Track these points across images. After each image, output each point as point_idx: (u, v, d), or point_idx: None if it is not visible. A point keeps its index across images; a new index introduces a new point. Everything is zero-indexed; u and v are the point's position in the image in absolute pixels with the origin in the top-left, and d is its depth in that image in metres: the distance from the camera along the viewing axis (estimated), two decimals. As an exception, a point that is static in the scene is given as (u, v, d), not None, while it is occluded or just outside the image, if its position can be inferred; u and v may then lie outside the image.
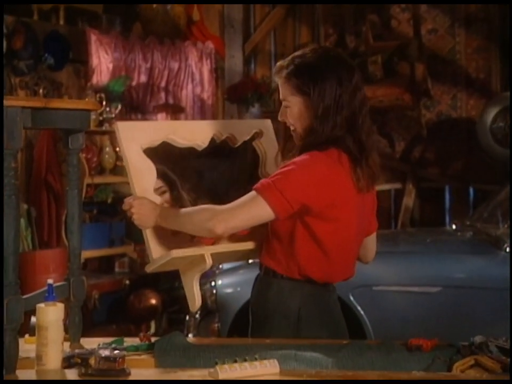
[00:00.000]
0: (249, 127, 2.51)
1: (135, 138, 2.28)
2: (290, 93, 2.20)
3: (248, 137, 2.49)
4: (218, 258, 2.35)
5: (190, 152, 2.41)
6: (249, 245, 2.34)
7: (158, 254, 2.24)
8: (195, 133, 2.41)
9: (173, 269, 2.32)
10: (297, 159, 2.16)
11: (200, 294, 2.26)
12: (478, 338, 2.01)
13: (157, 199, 2.28)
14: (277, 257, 2.21)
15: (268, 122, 2.53)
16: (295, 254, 2.18)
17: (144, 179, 2.26)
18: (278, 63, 2.26)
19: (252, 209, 2.10)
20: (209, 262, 2.22)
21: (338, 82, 2.16)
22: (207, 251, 2.23)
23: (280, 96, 2.25)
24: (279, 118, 2.27)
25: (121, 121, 2.42)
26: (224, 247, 2.31)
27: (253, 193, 2.12)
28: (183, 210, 2.20)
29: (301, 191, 2.10)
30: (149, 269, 2.26)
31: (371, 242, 2.41)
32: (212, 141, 2.44)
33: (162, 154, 2.35)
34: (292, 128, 2.25)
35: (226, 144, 2.47)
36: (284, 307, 2.20)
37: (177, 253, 2.18)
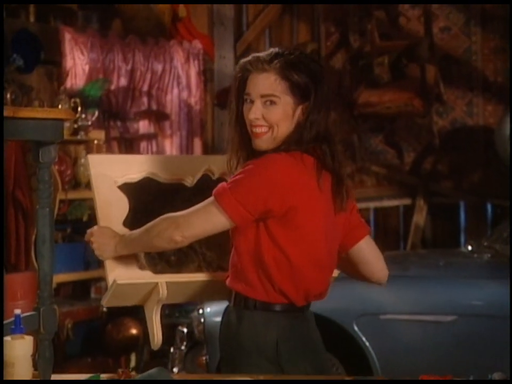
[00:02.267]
0: None
1: (108, 172, 2.38)
2: (283, 90, 2.21)
3: None
4: (182, 292, 2.36)
5: (177, 189, 2.47)
6: (216, 276, 2.35)
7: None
8: (182, 168, 2.47)
9: (134, 303, 2.35)
10: (256, 160, 2.19)
11: (160, 330, 2.30)
12: (497, 375, 2.01)
13: (124, 232, 2.33)
14: (248, 278, 2.22)
15: None
16: (266, 269, 2.19)
17: (110, 212, 2.34)
18: (268, 52, 2.24)
19: (208, 216, 2.16)
20: (162, 292, 2.26)
21: (328, 91, 2.25)
22: (161, 279, 2.27)
23: (263, 91, 2.21)
24: (252, 116, 2.22)
25: (92, 154, 2.53)
26: (182, 276, 2.35)
27: (211, 198, 2.17)
28: (142, 228, 2.24)
29: (258, 196, 2.13)
30: (104, 301, 2.33)
31: (367, 251, 2.38)
32: (205, 177, 2.50)
33: (145, 190, 2.39)
34: (263, 129, 2.22)
35: (224, 181, 2.51)
36: (260, 343, 2.20)
37: (122, 279, 2.24)
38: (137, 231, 2.25)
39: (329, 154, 2.21)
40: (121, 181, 2.40)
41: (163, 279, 2.29)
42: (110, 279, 2.28)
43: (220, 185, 2.19)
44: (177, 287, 2.34)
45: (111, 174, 2.38)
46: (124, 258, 2.29)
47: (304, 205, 2.17)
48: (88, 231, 2.32)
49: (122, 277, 2.26)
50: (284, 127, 2.21)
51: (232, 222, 2.15)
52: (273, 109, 2.21)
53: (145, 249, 2.27)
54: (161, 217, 2.20)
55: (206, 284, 2.38)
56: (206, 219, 2.15)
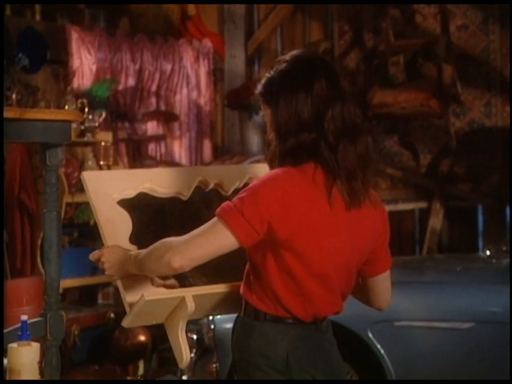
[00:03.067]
0: (241, 172, 2.55)
1: (105, 189, 2.38)
2: (263, 106, 2.29)
3: (242, 184, 2.56)
4: (206, 305, 2.36)
5: (174, 202, 2.48)
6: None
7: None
8: (177, 181, 2.49)
9: (155, 321, 2.34)
10: (264, 175, 2.19)
11: (188, 347, 2.28)
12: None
13: (132, 249, 2.32)
14: (258, 292, 2.22)
15: (264, 167, 2.53)
16: (273, 289, 2.19)
17: (115, 229, 2.34)
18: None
19: (211, 236, 2.10)
20: (191, 305, 2.25)
21: (296, 90, 2.20)
22: (188, 293, 2.26)
23: None
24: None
25: (87, 172, 2.52)
26: (208, 288, 2.33)
27: (214, 219, 2.13)
28: (145, 250, 2.21)
29: (265, 211, 2.10)
30: (125, 322, 2.30)
31: (381, 284, 2.38)
32: (199, 189, 2.51)
33: (142, 206, 2.41)
34: None
35: (217, 192, 2.53)
36: (270, 355, 2.20)
37: (150, 295, 2.22)
38: (143, 252, 2.22)
39: (327, 151, 2.16)
40: (118, 198, 2.41)
41: (189, 293, 2.28)
42: (129, 298, 2.26)
43: (224, 203, 2.15)
44: (202, 300, 2.33)
45: (109, 190, 2.39)
46: (137, 277, 2.28)
47: (310, 226, 2.14)
48: (96, 251, 2.29)
49: (149, 292, 2.24)
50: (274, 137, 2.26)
51: (238, 241, 2.11)
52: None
53: (148, 272, 2.24)
54: (161, 240, 2.17)
55: (229, 295, 2.37)
56: (208, 241, 2.10)
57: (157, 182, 2.47)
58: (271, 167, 2.23)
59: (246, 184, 2.51)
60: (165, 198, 2.49)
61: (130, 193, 2.43)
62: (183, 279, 2.38)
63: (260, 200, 2.11)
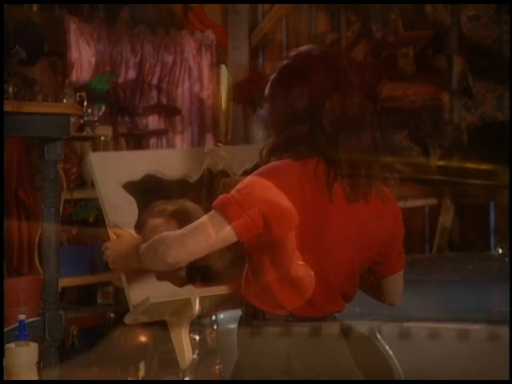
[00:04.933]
0: (250, 154, 2.56)
1: (112, 171, 2.38)
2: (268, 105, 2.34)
3: (251, 166, 2.55)
4: (212, 303, 2.37)
5: (181, 185, 2.48)
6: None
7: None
8: (185, 163, 2.50)
9: (158, 319, 2.35)
10: (263, 166, 2.20)
11: (190, 348, 2.29)
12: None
13: (138, 237, 2.33)
14: (255, 289, 2.22)
15: None
16: (269, 285, 2.19)
17: (121, 216, 2.33)
18: None
19: (209, 229, 2.09)
20: (196, 307, 2.25)
21: (292, 83, 2.23)
22: (194, 295, 2.26)
23: None
24: None
25: (95, 152, 2.54)
26: (214, 289, 2.34)
27: (211, 212, 2.13)
28: (144, 245, 2.20)
29: (262, 204, 2.10)
30: (128, 319, 2.31)
31: (394, 283, 2.40)
32: (207, 171, 2.51)
33: (149, 189, 2.41)
34: None
35: (226, 174, 2.54)
36: (271, 354, 2.21)
37: (156, 297, 2.22)
38: (143, 246, 2.21)
39: (327, 144, 2.17)
40: (124, 180, 2.41)
41: (195, 294, 2.29)
42: (134, 296, 2.27)
43: (221, 196, 2.15)
44: (208, 301, 2.34)
45: (115, 173, 2.39)
46: (141, 271, 2.28)
47: (307, 221, 2.14)
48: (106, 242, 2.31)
49: (154, 294, 2.25)
50: None
51: (237, 234, 2.10)
52: None
53: (147, 268, 2.24)
54: (158, 235, 2.16)
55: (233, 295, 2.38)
56: (205, 235, 2.09)
57: (164, 163, 2.48)
58: (266, 162, 2.23)
59: (255, 166, 2.53)
60: (172, 180, 2.49)
61: (137, 175, 2.43)
62: (192, 273, 2.39)
63: (257, 192, 2.12)
